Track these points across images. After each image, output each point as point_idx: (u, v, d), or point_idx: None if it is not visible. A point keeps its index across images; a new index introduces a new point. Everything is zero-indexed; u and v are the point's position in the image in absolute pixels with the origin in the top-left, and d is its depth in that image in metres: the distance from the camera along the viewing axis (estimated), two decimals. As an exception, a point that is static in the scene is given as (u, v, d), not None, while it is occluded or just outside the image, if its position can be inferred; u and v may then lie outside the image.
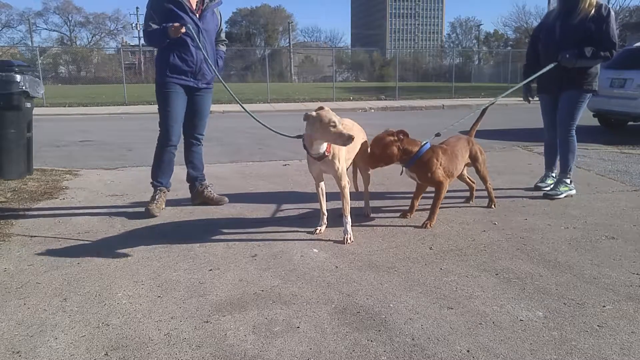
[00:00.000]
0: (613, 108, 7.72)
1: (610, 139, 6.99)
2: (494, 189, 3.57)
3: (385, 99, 18.34)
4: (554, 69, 3.57)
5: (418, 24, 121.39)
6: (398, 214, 3.32)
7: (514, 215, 3.32)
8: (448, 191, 3.94)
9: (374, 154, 3.06)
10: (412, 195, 3.34)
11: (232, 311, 1.99)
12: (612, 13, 3.45)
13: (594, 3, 3.44)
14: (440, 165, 3.07)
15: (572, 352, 1.68)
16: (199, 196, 3.65)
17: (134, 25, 53.32)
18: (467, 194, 3.68)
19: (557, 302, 2.04)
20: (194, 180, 3.66)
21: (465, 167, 3.50)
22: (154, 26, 3.23)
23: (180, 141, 3.51)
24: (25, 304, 2.05)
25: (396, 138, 3.01)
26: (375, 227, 3.09)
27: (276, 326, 1.88)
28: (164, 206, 3.47)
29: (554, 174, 4.03)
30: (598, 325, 1.86)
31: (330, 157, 2.73)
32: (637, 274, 2.33)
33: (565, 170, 3.79)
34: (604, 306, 2.01)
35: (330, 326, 1.87)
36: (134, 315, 1.96)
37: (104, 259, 2.56)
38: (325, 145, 2.69)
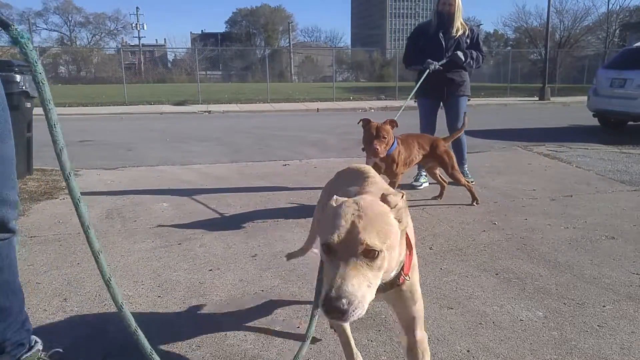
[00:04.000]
0: (613, 108, 7.72)
1: (610, 139, 6.98)
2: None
3: (385, 99, 18.32)
4: (439, 78, 4.14)
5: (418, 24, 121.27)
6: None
7: (514, 215, 3.32)
8: (449, 190, 3.97)
9: None
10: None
11: (232, 311, 1.99)
12: (480, 34, 4.35)
13: (465, 25, 4.26)
14: None
15: (572, 352, 1.68)
16: None
17: (133, 25, 53.39)
18: (467, 193, 3.68)
19: (557, 302, 2.04)
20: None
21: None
22: None
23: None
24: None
25: None
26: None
27: (276, 326, 1.88)
28: None
29: (424, 172, 4.24)
30: (598, 325, 1.86)
31: None
32: (637, 274, 2.33)
33: (460, 164, 4.22)
34: (604, 306, 2.01)
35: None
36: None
37: (104, 259, 2.56)
38: None
